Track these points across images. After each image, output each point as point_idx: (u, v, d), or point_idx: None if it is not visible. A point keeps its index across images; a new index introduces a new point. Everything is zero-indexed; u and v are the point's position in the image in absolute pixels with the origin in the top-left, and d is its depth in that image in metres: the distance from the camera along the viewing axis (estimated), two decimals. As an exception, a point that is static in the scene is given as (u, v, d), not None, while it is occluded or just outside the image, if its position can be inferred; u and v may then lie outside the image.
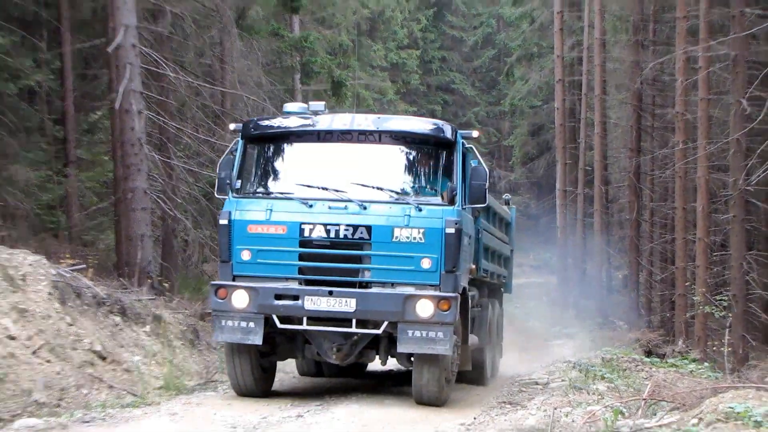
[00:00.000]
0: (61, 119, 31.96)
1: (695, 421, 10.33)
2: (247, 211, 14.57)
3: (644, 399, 16.65)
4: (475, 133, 15.56)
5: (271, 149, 15.63)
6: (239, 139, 15.67)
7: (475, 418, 16.44)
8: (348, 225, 14.02)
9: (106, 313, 20.92)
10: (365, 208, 14.13)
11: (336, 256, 14.32)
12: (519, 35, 59.32)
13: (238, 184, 15.04)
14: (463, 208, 14.95)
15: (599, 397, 17.97)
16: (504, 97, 65.32)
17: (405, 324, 13.63)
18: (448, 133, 14.65)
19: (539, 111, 57.17)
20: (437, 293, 13.89)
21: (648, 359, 26.62)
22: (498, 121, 69.80)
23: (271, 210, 14.33)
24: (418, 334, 13.50)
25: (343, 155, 15.40)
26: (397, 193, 14.74)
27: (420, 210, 13.97)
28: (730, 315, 29.37)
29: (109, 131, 30.62)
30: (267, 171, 15.54)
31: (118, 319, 20.72)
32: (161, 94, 27.38)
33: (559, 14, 48.75)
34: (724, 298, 29.90)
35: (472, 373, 19.12)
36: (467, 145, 15.26)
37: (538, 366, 26.02)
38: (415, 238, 13.75)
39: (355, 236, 14.04)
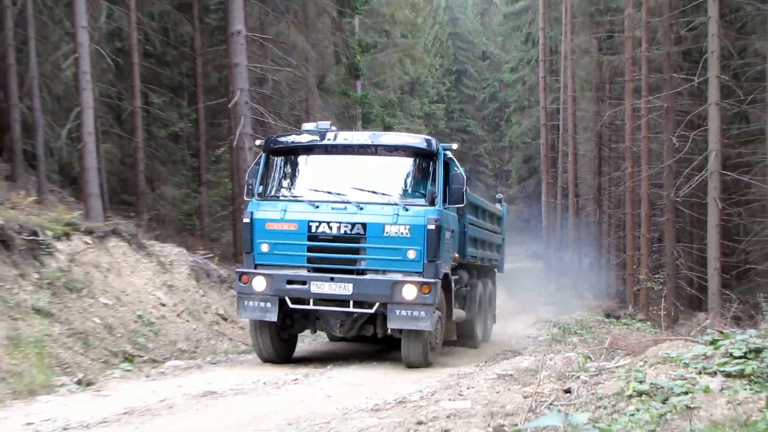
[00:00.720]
0: (196, 154, 32.53)
1: (641, 363, 10.27)
2: (266, 211, 13.95)
3: (605, 348, 16.78)
4: (454, 146, 14.86)
5: (287, 160, 14.95)
6: (262, 152, 15.06)
7: (485, 362, 16.22)
8: (347, 223, 13.46)
9: (227, 288, 22.05)
10: (362, 208, 13.51)
11: (337, 249, 13.69)
12: (515, 93, 58.93)
13: (260, 189, 14.31)
14: (445, 208, 14.14)
15: (574, 346, 18.02)
16: (504, 136, 64.77)
17: (393, 305, 13.03)
18: (431, 146, 13.97)
19: (529, 146, 56.69)
20: (420, 279, 13.20)
21: (608, 320, 26.76)
22: (500, 152, 69.19)
23: (285, 210, 13.79)
24: (404, 313, 13.00)
25: (345, 165, 14.72)
26: (389, 195, 13.92)
27: (407, 210, 13.36)
28: (665, 288, 29.65)
29: (229, 162, 30.77)
30: (283, 178, 14.84)
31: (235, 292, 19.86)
32: (265, 135, 27.15)
33: (542, 78, 48.57)
34: (660, 276, 30.18)
35: (465, 340, 18.23)
36: (449, 156, 14.59)
37: (530, 325, 25.91)
38: (402, 233, 13.18)
39: (353, 232, 13.47)
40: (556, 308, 29.54)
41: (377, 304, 13.21)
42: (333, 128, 14.59)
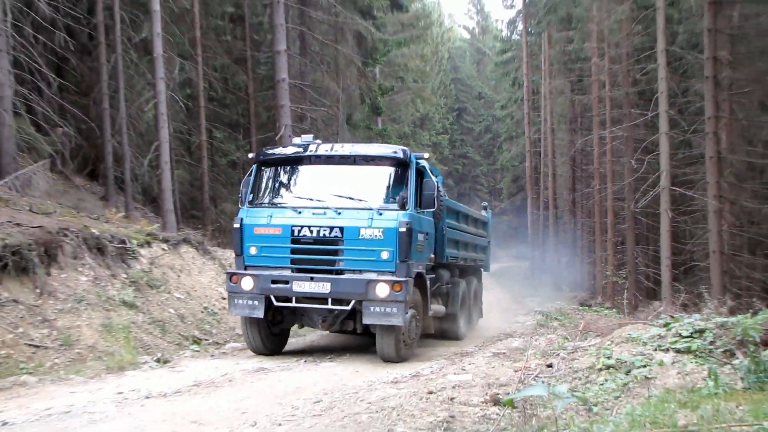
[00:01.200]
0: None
1: (609, 342, 10.29)
2: (254, 217, 12.77)
3: (580, 330, 16.71)
4: (426, 155, 13.45)
5: (274, 171, 13.55)
6: (253, 164, 13.93)
7: (483, 343, 16.23)
8: (326, 226, 12.21)
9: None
10: (339, 213, 12.30)
11: (318, 250, 12.39)
12: (505, 126, 58.85)
13: (250, 197, 13.17)
14: (418, 212, 12.78)
15: (554, 329, 17.96)
16: (497, 161, 64.56)
17: (368, 302, 11.77)
18: (404, 156, 12.66)
19: (517, 168, 56.60)
20: (392, 278, 11.87)
21: (581, 308, 26.71)
22: (493, 174, 69.09)
23: (270, 216, 12.62)
24: (378, 309, 11.71)
25: (326, 174, 13.42)
26: (364, 201, 12.61)
27: (380, 214, 12.10)
28: (627, 282, 29.58)
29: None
30: (271, 187, 13.46)
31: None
32: None
33: (527, 114, 48.64)
34: (623, 272, 30.15)
35: (448, 333, 16.73)
36: (422, 164, 13.14)
37: (519, 313, 25.75)
38: (376, 236, 11.89)
39: (331, 235, 12.19)
40: (539, 299, 29.50)
41: (353, 301, 12.02)
42: (316, 141, 13.52)
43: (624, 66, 30.85)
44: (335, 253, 12.27)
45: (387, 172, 12.83)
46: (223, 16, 31.97)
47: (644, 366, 8.42)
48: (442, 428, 7.14)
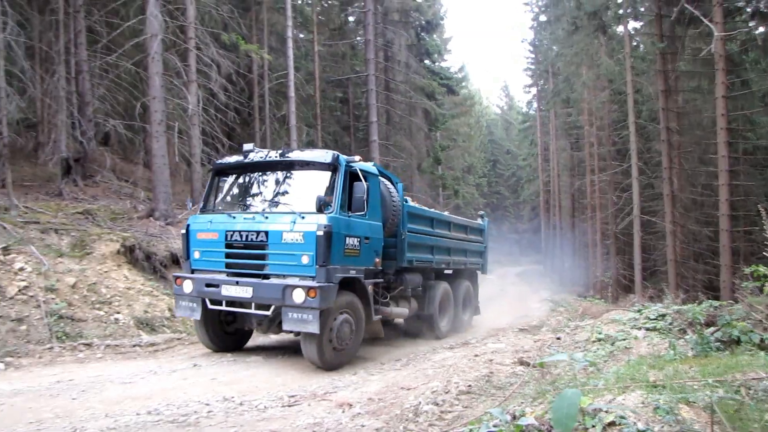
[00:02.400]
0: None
1: (599, 323, 10.20)
2: (198, 223, 9.73)
3: (579, 314, 16.54)
4: (357, 158, 9.65)
5: (223, 179, 10.25)
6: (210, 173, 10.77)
7: (511, 324, 15.45)
8: (254, 231, 9.01)
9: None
10: (267, 217, 9.08)
11: (247, 255, 9.11)
12: (525, 172, 58.14)
13: (202, 204, 10.20)
14: (349, 216, 9.14)
15: (561, 313, 17.83)
16: (520, 196, 64.12)
17: (286, 308, 8.44)
18: (330, 159, 9.17)
19: (534, 201, 55.97)
20: (309, 283, 8.46)
21: (579, 298, 26.25)
22: (518, 205, 68.45)
23: (210, 221, 9.58)
24: (295, 316, 8.41)
25: (262, 180, 10.03)
26: (290, 205, 9.24)
27: (303, 218, 8.71)
28: (611, 280, 29.07)
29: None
30: (218, 194, 10.25)
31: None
32: None
33: (540, 164, 48.22)
34: (608, 274, 29.63)
35: (427, 332, 12.74)
36: (354, 168, 9.45)
37: (536, 301, 25.19)
38: (297, 240, 8.62)
39: (258, 239, 8.99)
40: (550, 292, 28.99)
41: (273, 307, 8.70)
42: (256, 149, 10.22)
43: (606, 132, 31.15)
44: (262, 257, 9.00)
45: (317, 177, 9.31)
46: (335, 99, 32.58)
47: (624, 339, 8.34)
48: (485, 380, 7.11)
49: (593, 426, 3.70)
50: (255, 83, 24.28)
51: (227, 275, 9.16)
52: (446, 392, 6.37)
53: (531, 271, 44.06)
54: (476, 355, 8.91)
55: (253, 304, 8.75)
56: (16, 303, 9.81)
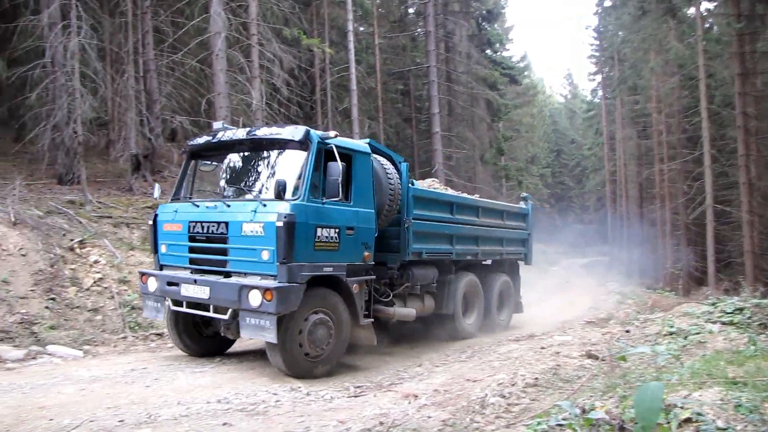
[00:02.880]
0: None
1: (670, 316, 9.93)
2: (164, 213, 8.34)
3: (649, 306, 16.12)
4: (332, 134, 7.78)
5: (194, 163, 8.68)
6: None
7: (577, 316, 15.17)
8: (214, 222, 7.54)
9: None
10: (228, 206, 7.56)
11: (209, 249, 7.66)
12: (590, 161, 56.61)
13: (174, 191, 8.79)
14: (322, 203, 7.42)
15: (629, 306, 17.39)
16: (585, 186, 62.62)
17: (243, 312, 7.02)
18: (299, 136, 7.45)
19: (600, 191, 54.61)
20: (267, 284, 6.93)
21: (648, 291, 25.46)
22: (583, 195, 66.78)
23: (176, 211, 8.16)
24: (253, 321, 6.98)
25: (230, 162, 8.43)
26: (254, 191, 7.80)
27: (265, 206, 7.15)
28: (681, 272, 28.21)
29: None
30: (189, 180, 8.69)
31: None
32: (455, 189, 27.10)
33: (606, 153, 47.02)
34: (678, 266, 28.74)
35: (445, 334, 10.76)
36: (330, 145, 7.63)
37: (602, 295, 24.32)
38: (257, 232, 7.09)
39: (219, 231, 7.49)
40: (617, 284, 28.18)
41: (230, 310, 7.20)
42: (228, 127, 8.77)
43: (676, 119, 30.12)
44: (223, 252, 7.56)
45: (289, 157, 7.70)
46: (396, 91, 32.58)
47: (698, 333, 8.06)
48: (552, 373, 7.00)
49: (668, 422, 3.59)
50: (317, 77, 24.52)
51: (191, 272, 7.85)
52: (513, 384, 6.31)
53: (597, 262, 43.01)
54: (542, 348, 8.79)
55: (211, 307, 7.43)
56: (92, 294, 10.24)
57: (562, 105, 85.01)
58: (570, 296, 21.39)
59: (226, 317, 7.25)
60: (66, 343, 8.86)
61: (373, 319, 8.42)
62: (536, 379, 6.59)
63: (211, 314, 7.45)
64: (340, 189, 7.36)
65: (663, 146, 32.04)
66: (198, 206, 7.90)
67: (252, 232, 7.16)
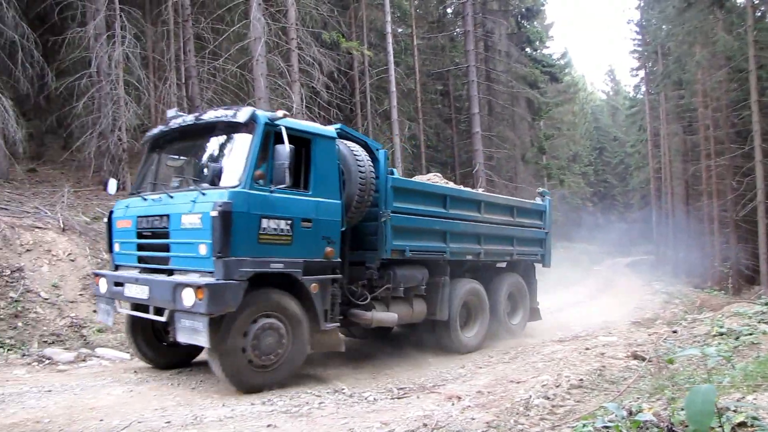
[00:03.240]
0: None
1: (720, 315, 9.75)
2: (117, 209, 7.64)
3: (697, 306, 15.77)
4: (280, 113, 6.89)
5: (150, 154, 7.92)
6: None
7: (621, 316, 15.84)
8: (156, 215, 6.89)
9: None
10: (171, 197, 6.84)
11: (153, 245, 6.98)
12: (634, 159, 55.58)
13: (134, 186, 8.20)
14: (270, 191, 6.58)
15: (676, 306, 17.05)
16: (629, 184, 61.53)
17: (179, 313, 6.29)
18: (244, 118, 6.68)
19: (645, 188, 53.60)
20: (197, 281, 6.19)
21: (696, 290, 24.91)
22: (627, 193, 65.54)
23: (127, 206, 7.45)
24: (187, 323, 6.24)
25: (179, 151, 7.85)
26: (199, 180, 6.97)
27: (204, 195, 6.44)
28: (731, 271, 27.51)
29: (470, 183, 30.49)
30: (144, 172, 7.89)
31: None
32: (494, 188, 27.13)
33: (650, 150, 46.03)
34: (727, 264, 28.06)
35: (437, 343, 9.63)
36: (278, 126, 6.78)
37: (647, 294, 23.75)
38: (195, 224, 6.39)
39: (161, 225, 6.80)
40: (663, 283, 27.63)
41: (167, 311, 6.51)
42: (180, 114, 7.74)
43: (724, 113, 29.23)
44: (165, 248, 6.84)
45: (238, 142, 6.89)
46: (435, 92, 32.57)
47: (750, 334, 7.84)
48: (597, 374, 6.90)
49: (720, 426, 3.49)
50: (356, 80, 24.63)
51: (140, 271, 7.16)
52: (557, 386, 6.24)
53: (642, 261, 42.22)
54: (587, 349, 8.67)
55: (150, 308, 6.74)
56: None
57: (604, 102, 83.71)
58: (614, 296, 21.05)
59: (163, 319, 6.60)
60: (113, 346, 9.10)
61: (338, 324, 7.45)
62: (581, 380, 6.50)
63: (151, 316, 6.78)
64: (288, 175, 6.47)
65: (710, 141, 31.28)
66: (146, 200, 7.22)
67: (191, 224, 6.44)
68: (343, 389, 6.73)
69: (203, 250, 6.28)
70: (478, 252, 10.10)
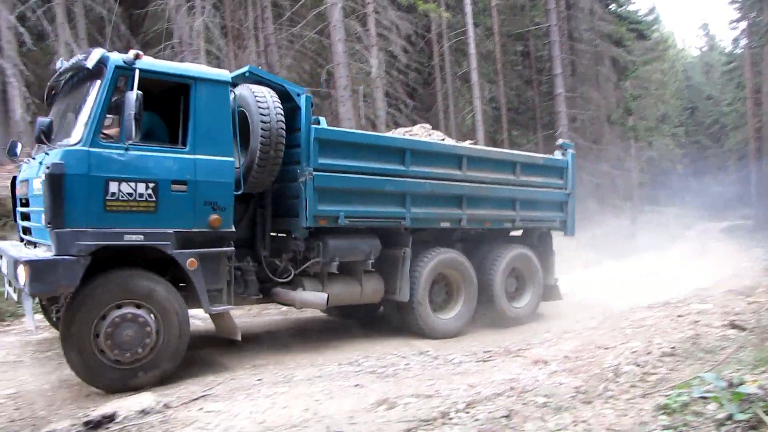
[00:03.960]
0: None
1: None
2: (19, 174, 6.55)
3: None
4: (132, 54, 5.52)
5: (49, 111, 6.71)
6: None
7: (716, 282, 15.33)
8: (24, 180, 6.06)
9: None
10: (34, 159, 5.92)
11: (25, 215, 6.15)
12: (731, 118, 52.81)
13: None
14: (126, 148, 5.36)
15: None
16: (723, 145, 58.61)
17: (22, 292, 5.35)
18: (91, 62, 5.49)
19: (743, 149, 50.97)
20: (27, 256, 5.13)
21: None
22: (722, 155, 62.40)
23: (21, 171, 6.48)
24: (26, 305, 5.42)
25: (56, 105, 6.49)
26: (60, 138, 5.59)
27: (48, 155, 5.39)
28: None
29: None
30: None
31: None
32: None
33: (749, 108, 43.65)
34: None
35: (405, 325, 7.97)
36: (134, 72, 5.44)
37: (745, 261, 22.06)
38: (40, 190, 5.29)
39: (26, 192, 5.93)
40: (763, 250, 26.30)
41: (17, 290, 5.70)
42: (63, 63, 6.32)
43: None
44: (28, 217, 6.05)
45: (88, 90, 5.67)
46: (516, 53, 31.83)
47: None
48: (690, 342, 6.69)
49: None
50: (434, 42, 24.36)
51: (25, 244, 6.32)
52: (648, 353, 6.10)
53: (738, 226, 40.20)
54: (679, 316, 8.39)
55: (8, 283, 6.07)
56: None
57: (697, 59, 79.86)
58: (707, 263, 20.20)
59: (15, 297, 5.91)
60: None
61: (230, 306, 6.16)
62: (673, 348, 6.33)
63: (11, 293, 6.05)
64: (135, 128, 5.26)
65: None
66: (27, 162, 6.20)
67: (38, 190, 5.47)
68: (428, 351, 6.84)
69: (44, 219, 5.24)
70: (459, 218, 8.36)
